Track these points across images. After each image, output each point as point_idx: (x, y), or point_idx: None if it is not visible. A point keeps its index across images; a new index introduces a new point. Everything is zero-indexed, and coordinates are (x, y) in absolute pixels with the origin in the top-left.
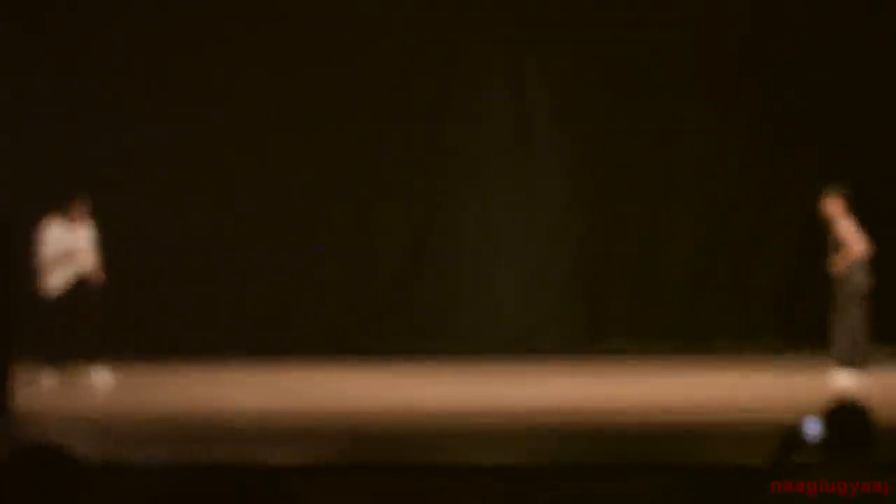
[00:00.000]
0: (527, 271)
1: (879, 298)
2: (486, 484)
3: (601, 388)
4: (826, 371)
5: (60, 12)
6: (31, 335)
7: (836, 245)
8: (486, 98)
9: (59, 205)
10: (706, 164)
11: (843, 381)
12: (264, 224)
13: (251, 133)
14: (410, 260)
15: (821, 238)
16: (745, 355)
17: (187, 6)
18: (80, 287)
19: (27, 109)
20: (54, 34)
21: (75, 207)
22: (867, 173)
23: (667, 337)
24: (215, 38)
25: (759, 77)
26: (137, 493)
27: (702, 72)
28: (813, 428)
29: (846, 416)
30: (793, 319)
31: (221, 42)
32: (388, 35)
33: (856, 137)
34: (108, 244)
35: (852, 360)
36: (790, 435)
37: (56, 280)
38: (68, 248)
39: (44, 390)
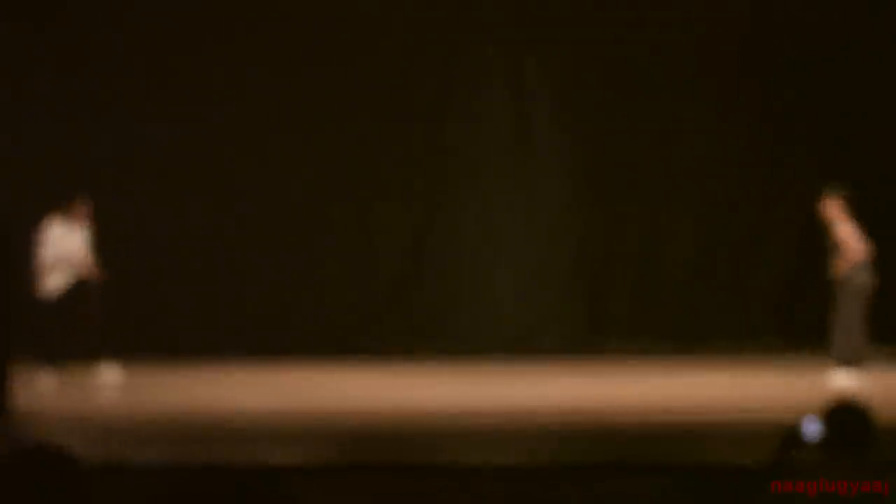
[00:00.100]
0: (527, 271)
1: (879, 298)
2: (486, 484)
3: (601, 388)
4: (826, 371)
5: (60, 12)
6: (31, 335)
7: (836, 247)
8: (486, 98)
9: (59, 205)
10: (706, 164)
11: (843, 380)
12: (264, 224)
13: (251, 133)
14: (410, 260)
15: (821, 238)
16: (745, 355)
17: (187, 6)
18: (79, 288)
19: (27, 109)
20: (54, 34)
21: (76, 208)
22: (867, 173)
23: (667, 337)
24: (215, 38)
25: (759, 77)
26: (137, 494)
27: (702, 72)
28: (813, 428)
29: (846, 416)
30: (793, 319)
31: (221, 42)
32: (388, 35)
33: (856, 138)
34: (108, 244)
35: (851, 360)
36: (790, 435)
37: (56, 281)
38: (68, 249)
39: (44, 390)
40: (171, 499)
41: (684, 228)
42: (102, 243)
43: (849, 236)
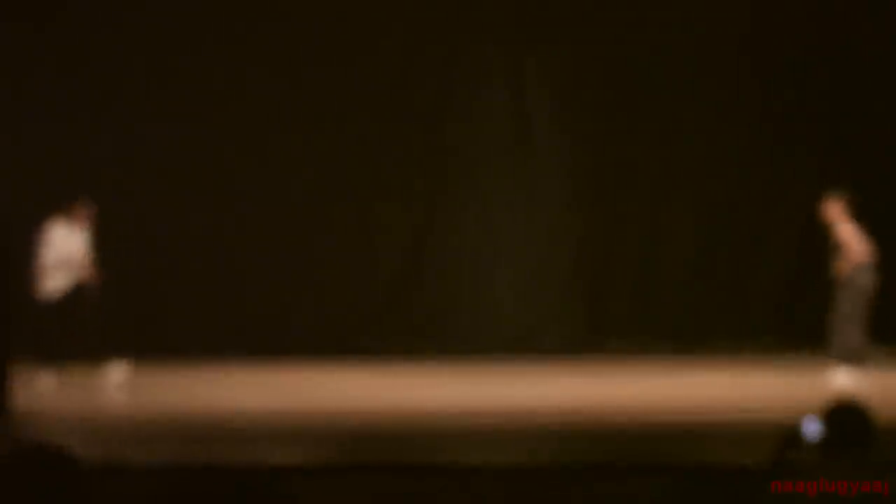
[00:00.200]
0: (527, 271)
1: (879, 299)
2: (486, 484)
3: (601, 388)
4: (826, 371)
5: (60, 12)
6: (31, 336)
7: (837, 248)
8: (486, 98)
9: (61, 206)
10: (706, 164)
11: (842, 380)
12: (264, 224)
13: (251, 133)
14: (410, 260)
15: (821, 238)
16: (745, 355)
17: (187, 6)
18: (79, 289)
19: (27, 109)
20: (54, 34)
21: (78, 210)
22: (867, 173)
23: (667, 337)
24: (215, 38)
25: (759, 77)
26: (137, 494)
27: (702, 72)
28: (813, 428)
29: (846, 416)
30: (793, 319)
31: (222, 42)
32: (388, 35)
33: (856, 138)
34: (109, 244)
35: (851, 360)
36: (790, 435)
37: (57, 282)
38: (70, 250)
39: (44, 391)
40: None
41: (684, 228)
42: (103, 243)
43: (851, 237)
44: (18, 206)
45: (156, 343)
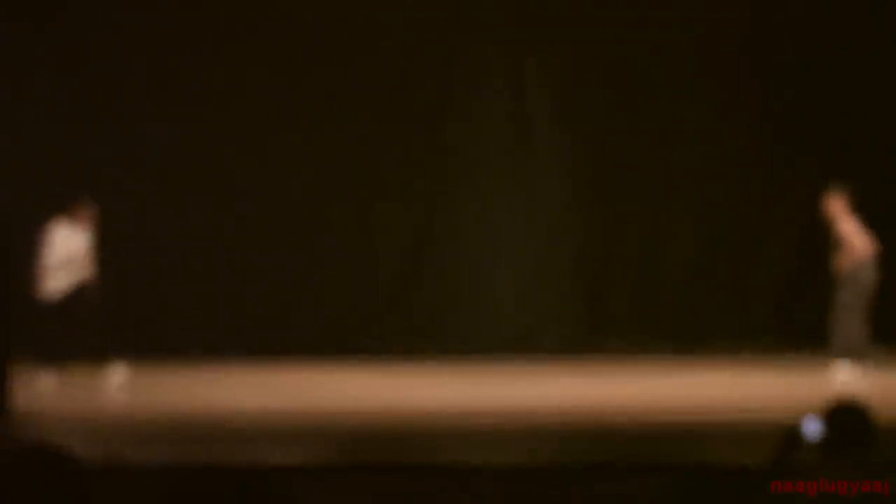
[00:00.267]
0: (527, 271)
1: (879, 298)
2: (486, 484)
3: (601, 388)
4: (826, 371)
5: (60, 12)
6: (32, 336)
7: (839, 244)
8: (486, 98)
9: (63, 207)
10: (706, 164)
11: (844, 376)
12: (264, 224)
13: (251, 133)
14: (410, 260)
15: (821, 238)
16: (745, 355)
17: (187, 6)
18: (80, 289)
19: (27, 109)
20: (54, 34)
21: (80, 210)
22: (867, 173)
23: (667, 337)
24: (216, 38)
25: (759, 77)
26: (137, 494)
27: (702, 72)
28: (813, 427)
29: (846, 416)
30: (793, 319)
31: (222, 42)
32: (388, 35)
33: (856, 138)
34: (109, 244)
35: (852, 355)
36: (790, 435)
37: (59, 283)
38: (71, 250)
39: (44, 391)
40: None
41: (684, 228)
42: (103, 243)
43: (853, 232)
44: (18, 206)
45: (156, 343)
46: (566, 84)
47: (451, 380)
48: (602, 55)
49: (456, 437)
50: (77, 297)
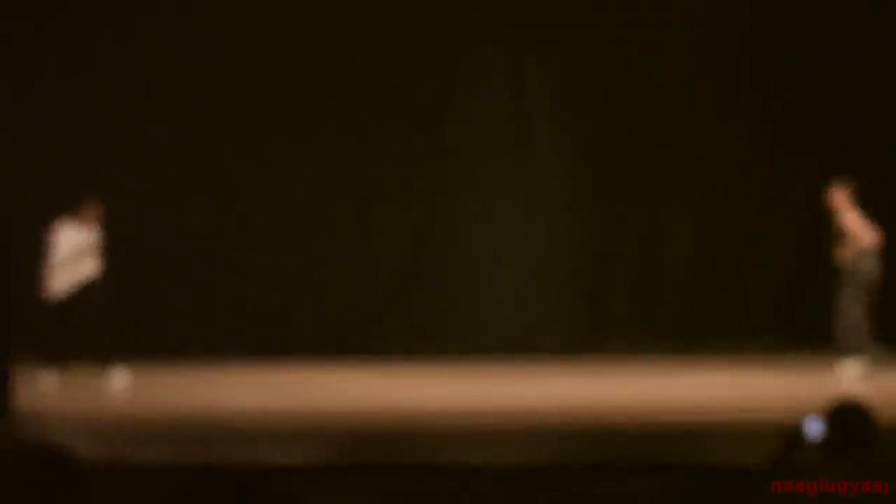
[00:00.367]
0: (527, 271)
1: (880, 298)
2: (486, 484)
3: (601, 388)
4: (826, 371)
5: (60, 12)
6: (33, 335)
7: (841, 236)
8: (486, 98)
9: (67, 207)
10: (706, 164)
11: (850, 371)
12: (264, 224)
13: (251, 133)
14: (410, 260)
15: (822, 238)
16: (745, 355)
17: (188, 6)
18: (85, 289)
19: (27, 109)
20: (54, 34)
21: (86, 210)
22: (867, 173)
23: (667, 337)
24: (216, 38)
25: (759, 77)
26: (138, 494)
27: (702, 72)
28: (814, 427)
29: (847, 416)
30: (793, 319)
31: (221, 42)
32: (388, 35)
33: (856, 137)
34: (109, 244)
35: (857, 349)
36: (791, 435)
37: (63, 282)
38: (76, 250)
39: (45, 390)
40: (171, 499)
41: (684, 228)
42: (103, 243)
43: (855, 225)
44: (18, 206)
45: (156, 343)
46: (566, 84)
47: (451, 380)
48: (602, 55)
49: (456, 437)
50: (82, 296)
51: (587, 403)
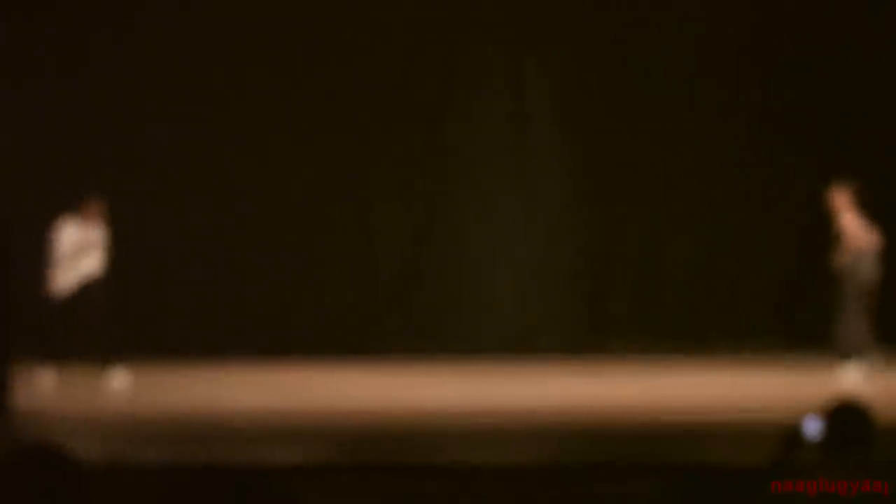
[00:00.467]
0: (527, 271)
1: (881, 299)
2: (487, 484)
3: (601, 388)
4: (826, 370)
5: (60, 12)
6: (34, 334)
7: (840, 238)
8: (486, 98)
9: (67, 205)
10: (706, 164)
11: (850, 373)
12: (264, 224)
13: (251, 133)
14: (410, 260)
15: (821, 238)
16: (745, 355)
17: (187, 6)
18: (88, 288)
19: (27, 109)
20: (54, 34)
21: (89, 208)
22: (867, 173)
23: (667, 337)
24: (216, 38)
25: (759, 77)
26: (137, 494)
27: (702, 72)
28: (813, 427)
29: (846, 416)
30: (793, 319)
31: (221, 42)
32: (389, 35)
33: (856, 138)
34: (109, 244)
35: (856, 351)
36: (791, 434)
37: (65, 280)
38: (80, 248)
39: (44, 390)
40: (171, 499)
41: (684, 228)
42: (105, 241)
43: (853, 226)
44: (18, 206)
45: (156, 343)
46: (566, 84)
47: (451, 380)
48: (602, 55)
49: (456, 437)
50: (83, 295)
51: (587, 403)
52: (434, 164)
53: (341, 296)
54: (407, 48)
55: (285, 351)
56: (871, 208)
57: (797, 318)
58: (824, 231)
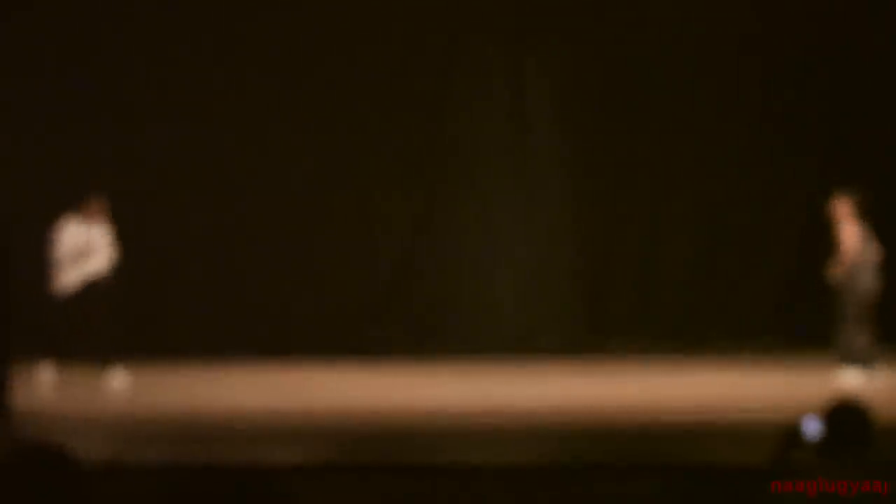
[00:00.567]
0: (527, 271)
1: (882, 299)
2: (487, 484)
3: (601, 388)
4: (826, 371)
5: (60, 12)
6: (32, 334)
7: (838, 249)
8: (486, 98)
9: (68, 204)
10: (706, 164)
11: (850, 380)
12: (264, 223)
13: (251, 130)
14: (410, 261)
15: (822, 238)
16: (745, 355)
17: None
18: (92, 287)
19: (27, 109)
20: (54, 34)
21: (91, 206)
22: (867, 173)
23: (667, 337)
24: (215, 31)
25: (759, 77)
26: (137, 494)
27: (702, 72)
28: (813, 427)
29: (846, 416)
30: (793, 319)
31: (222, 36)
32: (389, 36)
33: (856, 138)
34: (114, 241)
35: (857, 361)
36: (790, 434)
37: (68, 279)
38: (82, 247)
39: (45, 390)
40: (171, 499)
41: (684, 228)
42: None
43: (850, 238)
44: (19, 206)
45: (156, 343)
46: (566, 84)
47: (451, 380)
48: (602, 55)
49: (456, 437)
50: (85, 294)
51: (587, 403)
52: (434, 165)
53: (342, 297)
54: (407, 49)
55: (285, 350)
56: (872, 216)
57: (797, 318)
58: (824, 231)
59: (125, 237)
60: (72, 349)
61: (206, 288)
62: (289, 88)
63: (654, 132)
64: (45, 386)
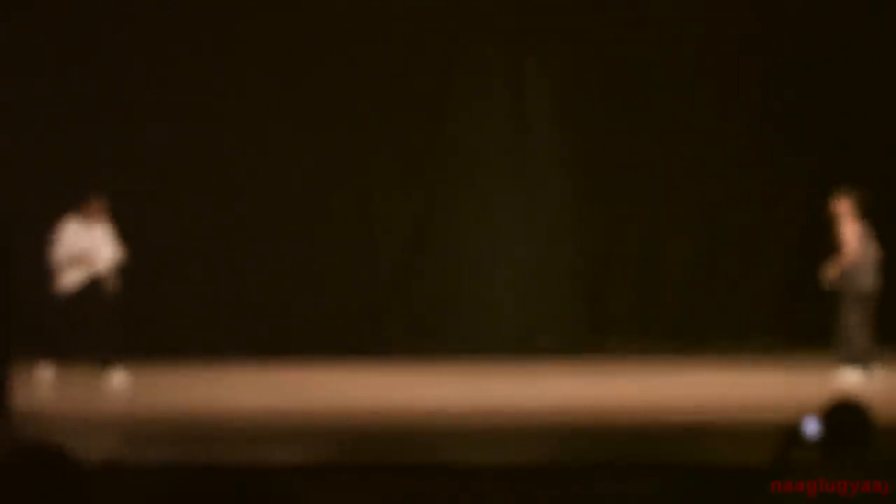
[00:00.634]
0: (527, 271)
1: (882, 298)
2: (487, 484)
3: (601, 388)
4: (826, 371)
5: (60, 12)
6: (32, 334)
7: (837, 248)
8: (486, 98)
9: (68, 204)
10: (706, 164)
11: (850, 380)
12: (264, 223)
13: (251, 130)
14: (410, 261)
15: (822, 238)
16: (745, 355)
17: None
18: (94, 287)
19: (27, 109)
20: (54, 34)
21: (92, 206)
22: (867, 173)
23: (667, 337)
24: (215, 30)
25: (759, 77)
26: (137, 494)
27: (702, 72)
28: (812, 427)
29: (845, 415)
30: (793, 319)
31: (221, 36)
32: (389, 36)
33: (856, 138)
34: (117, 240)
35: (857, 360)
36: (790, 434)
37: (69, 279)
38: (83, 247)
39: (44, 390)
40: (171, 499)
41: (684, 228)
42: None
43: (849, 237)
44: (19, 206)
45: (156, 343)
46: (566, 84)
47: (451, 379)
48: (602, 55)
49: (456, 437)
50: (90, 294)
51: (587, 403)
52: (434, 165)
53: (342, 298)
54: (407, 49)
55: (285, 349)
56: (872, 215)
57: (797, 318)
58: (824, 231)
59: (125, 237)
60: (72, 349)
61: (206, 288)
62: (289, 88)
63: (654, 132)
64: (45, 386)
